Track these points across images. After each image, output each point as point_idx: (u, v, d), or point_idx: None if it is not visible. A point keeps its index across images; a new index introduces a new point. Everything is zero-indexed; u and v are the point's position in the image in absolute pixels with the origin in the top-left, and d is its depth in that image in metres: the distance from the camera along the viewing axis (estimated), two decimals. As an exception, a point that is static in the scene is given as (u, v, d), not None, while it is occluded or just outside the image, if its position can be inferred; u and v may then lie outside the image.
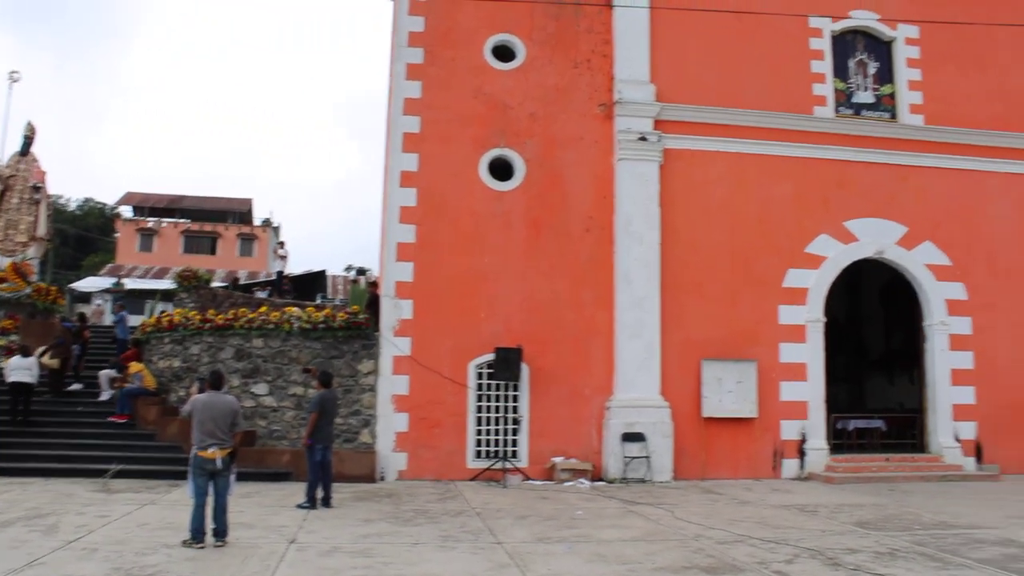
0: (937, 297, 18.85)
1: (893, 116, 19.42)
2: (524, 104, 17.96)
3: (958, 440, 18.39)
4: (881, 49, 19.72)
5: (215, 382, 10.05)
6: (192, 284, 21.94)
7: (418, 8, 18.09)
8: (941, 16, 19.28)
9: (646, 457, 16.57)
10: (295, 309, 17.38)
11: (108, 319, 30.60)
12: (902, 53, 19.60)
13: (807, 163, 18.64)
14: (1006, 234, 19.56)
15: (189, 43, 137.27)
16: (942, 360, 18.70)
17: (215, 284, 27.19)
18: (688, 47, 18.61)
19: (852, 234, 18.64)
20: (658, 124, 18.02)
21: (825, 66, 19.13)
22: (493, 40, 18.18)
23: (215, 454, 9.41)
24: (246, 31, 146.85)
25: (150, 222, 58.28)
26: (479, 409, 16.89)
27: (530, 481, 16.33)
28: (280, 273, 30.35)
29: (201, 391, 10.67)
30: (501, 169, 17.84)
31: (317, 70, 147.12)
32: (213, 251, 57.57)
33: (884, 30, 19.57)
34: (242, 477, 12.95)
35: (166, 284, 34.49)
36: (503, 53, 18.25)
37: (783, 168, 18.54)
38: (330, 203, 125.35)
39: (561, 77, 18.18)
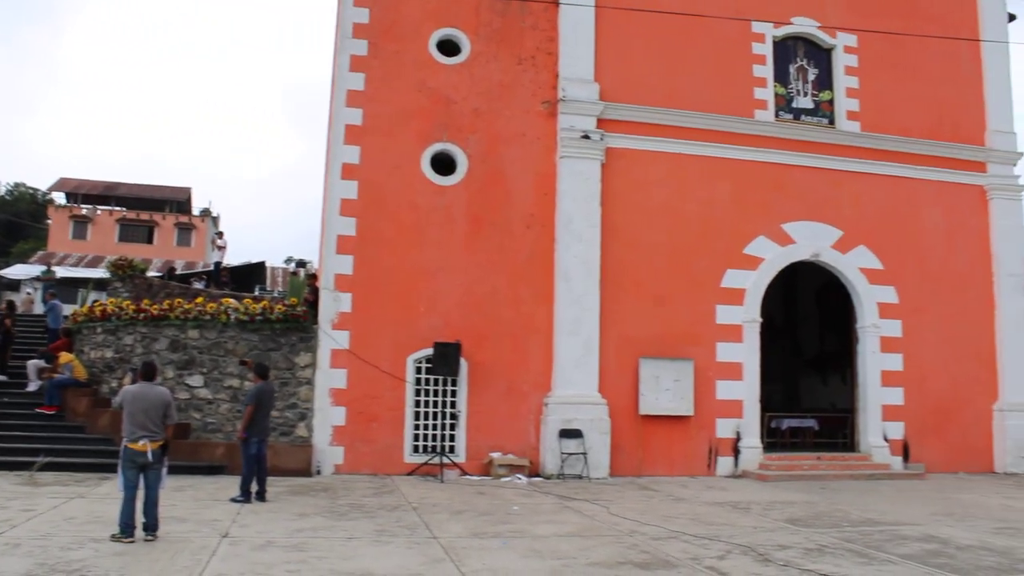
0: (870, 300, 19.27)
1: (831, 122, 19.82)
2: (468, 99, 17.92)
3: (887, 439, 18.84)
4: (821, 56, 20.09)
5: (147, 373, 9.85)
6: (127, 273, 21.46)
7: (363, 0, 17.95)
8: (879, 26, 19.70)
9: (583, 454, 16.67)
10: (232, 300, 17.16)
11: (39, 308, 29.80)
12: (841, 61, 20.00)
13: (747, 166, 18.92)
14: (936, 241, 20.09)
15: (127, 26, 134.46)
16: (873, 362, 19.12)
17: (151, 274, 26.70)
18: (633, 47, 18.74)
19: (789, 236, 18.97)
20: (601, 123, 18.12)
21: (767, 71, 19.45)
22: (438, 34, 18.10)
23: (146, 446, 9.23)
24: (187, 15, 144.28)
25: (84, 209, 56.99)
26: (417, 404, 16.83)
27: (467, 476, 16.32)
28: (218, 264, 29.87)
29: (133, 382, 10.45)
30: (443, 164, 17.78)
31: (262, 57, 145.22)
32: (150, 240, 56.53)
33: (824, 37, 19.94)
34: (175, 470, 12.78)
35: (100, 273, 33.75)
36: (448, 47, 18.18)
37: (723, 170, 18.78)
38: (272, 193, 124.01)
39: (506, 73, 18.18)
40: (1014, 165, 20.98)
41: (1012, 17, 21.90)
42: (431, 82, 17.86)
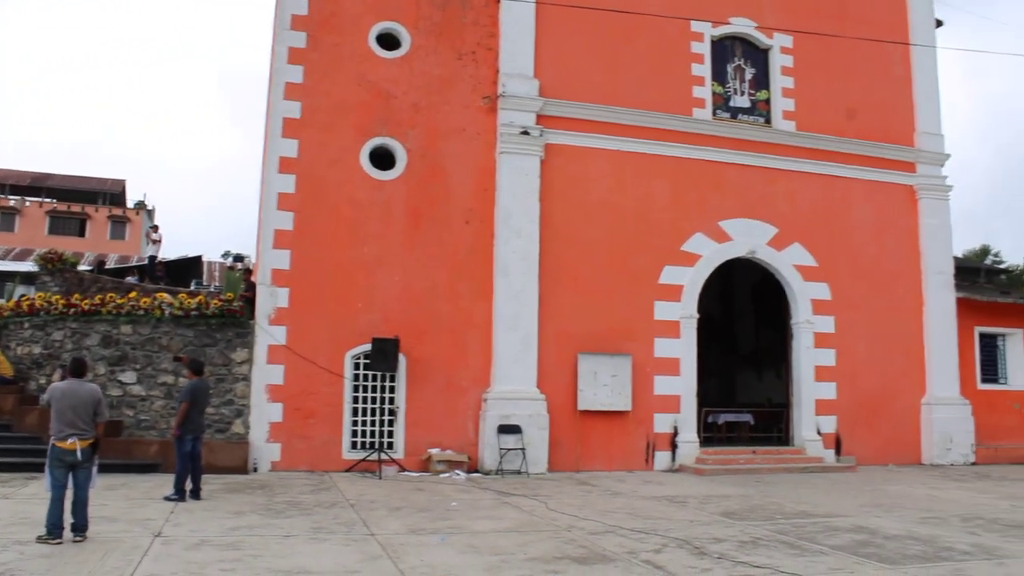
0: (804, 297, 19.64)
1: (767, 121, 20.14)
2: (408, 94, 17.81)
3: (820, 433, 19.23)
4: (758, 56, 20.41)
5: (76, 369, 9.61)
6: (56, 267, 20.80)
7: (301, -11, 17.71)
8: (813, 28, 20.07)
9: (522, 449, 16.70)
10: (167, 295, 16.80)
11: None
12: (777, 61, 20.35)
13: (685, 163, 19.13)
14: (867, 238, 20.55)
15: (57, 12, 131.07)
16: (807, 357, 19.51)
17: (82, 267, 26.02)
18: (573, 44, 18.81)
19: (726, 233, 19.23)
20: (541, 119, 18.16)
21: (705, 70, 19.69)
22: (378, 27, 17.95)
23: (75, 445, 9.01)
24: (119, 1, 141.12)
25: (12, 200, 55.37)
26: (355, 400, 16.71)
27: (406, 472, 16.26)
28: (152, 258, 29.14)
29: (63, 379, 10.19)
30: (382, 158, 17.66)
31: (198, 44, 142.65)
32: (82, 233, 55.18)
33: (761, 38, 20.26)
34: (108, 469, 12.52)
35: (28, 266, 32.80)
36: (388, 41, 18.05)
37: (662, 167, 18.96)
38: (209, 185, 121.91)
39: (446, 68, 18.11)
40: (941, 166, 21.57)
41: (939, 23, 22.51)
42: (370, 75, 17.71)
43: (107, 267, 30.61)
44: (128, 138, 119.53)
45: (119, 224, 56.25)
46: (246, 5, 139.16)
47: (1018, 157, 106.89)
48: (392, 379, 16.89)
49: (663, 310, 18.46)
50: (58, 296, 17.36)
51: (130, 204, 59.66)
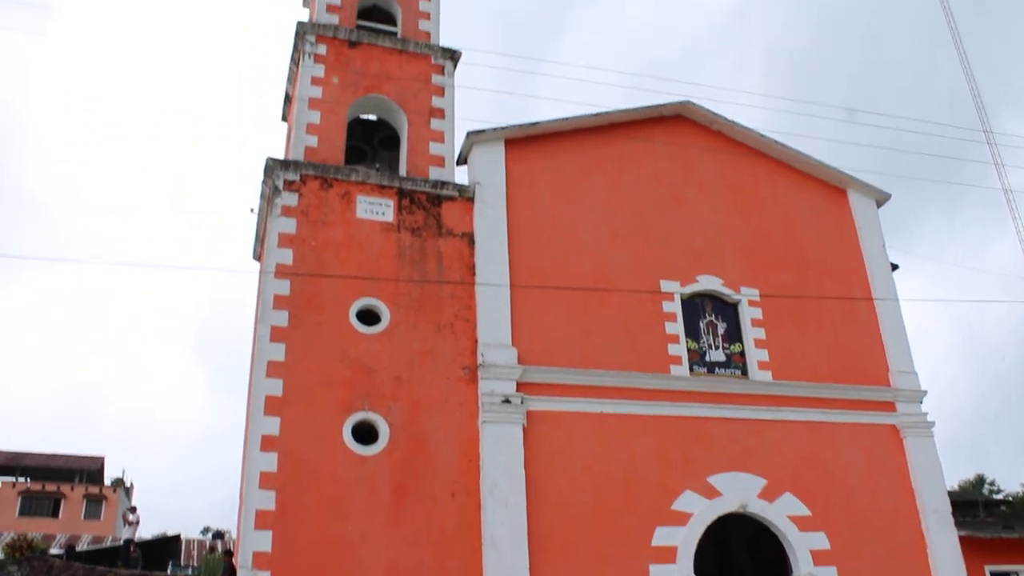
0: (802, 548, 19.08)
1: (744, 372, 20.47)
2: (389, 368, 18.03)
3: None
4: (728, 310, 21.06)
5: None
6: (25, 555, 20.16)
7: (284, 272, 18.31)
8: (776, 280, 20.95)
9: None
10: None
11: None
12: (747, 314, 20.97)
13: (668, 420, 19.18)
14: (859, 482, 20.29)
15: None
16: (813, 611, 18.69)
17: (53, 551, 25.12)
18: (548, 311, 19.35)
19: (716, 489, 18.96)
20: (521, 386, 18.33)
21: (678, 327, 20.21)
22: (358, 304, 18.41)
23: None
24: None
25: (-19, 482, 54.20)
26: None
27: None
28: (128, 541, 28.26)
29: None
30: (365, 433, 17.58)
31: (178, 314, 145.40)
32: (55, 513, 53.58)
33: (729, 293, 21.00)
34: None
35: (-5, 554, 31.59)
36: (368, 317, 18.48)
37: (645, 426, 18.98)
38: (190, 455, 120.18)
39: (425, 341, 18.46)
40: (920, 403, 21.67)
41: (895, 267, 23.42)
42: (352, 351, 17.98)
43: (79, 550, 29.50)
44: (109, 411, 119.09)
45: (95, 503, 54.80)
46: (225, 287, 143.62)
47: (995, 374, 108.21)
48: (380, 669, 15.92)
49: (659, 574, 17.80)
50: (26, 591, 16.62)
51: (108, 481, 58.47)
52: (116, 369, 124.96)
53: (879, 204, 23.89)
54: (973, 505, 36.54)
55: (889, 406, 21.42)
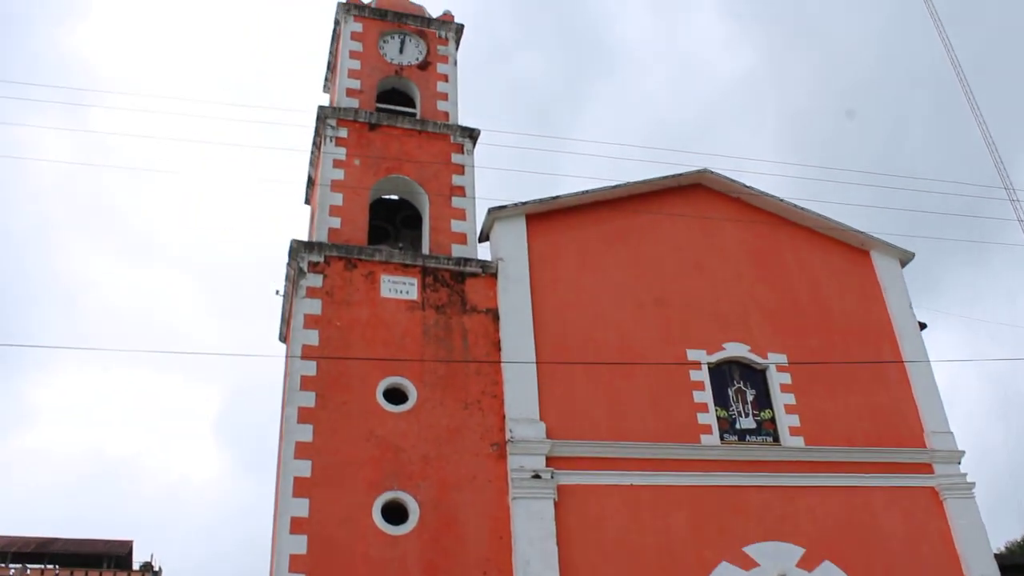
0: (845, 619, 18.63)
1: (776, 439, 20.20)
2: (417, 446, 17.99)
3: None
4: (756, 377, 20.90)
5: None
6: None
7: (311, 353, 18.44)
8: (803, 344, 20.81)
9: None
10: None
11: None
12: (775, 380, 20.78)
13: (700, 491, 18.92)
14: (900, 548, 19.77)
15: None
16: None
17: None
18: (576, 385, 19.31)
19: (752, 559, 18.57)
20: (551, 461, 18.20)
21: (706, 396, 20.06)
22: (385, 383, 18.48)
23: None
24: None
25: (12, 569, 53.91)
26: None
27: None
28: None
29: None
30: (395, 512, 17.47)
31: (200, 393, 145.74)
32: (80, 604, 53.17)
33: (757, 359, 20.87)
34: None
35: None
36: (395, 395, 18.51)
37: (677, 497, 18.72)
38: (218, 530, 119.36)
39: (453, 418, 18.45)
40: (958, 463, 21.20)
41: (923, 326, 23.19)
42: (379, 431, 17.98)
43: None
44: (139, 489, 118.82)
45: (124, 589, 54.41)
46: (249, 367, 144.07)
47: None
48: None
49: (699, 648, 17.44)
50: None
51: (136, 565, 58.00)
52: (143, 450, 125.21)
53: (903, 264, 23.77)
54: (1021, 569, 35.32)
55: (926, 468, 20.97)
